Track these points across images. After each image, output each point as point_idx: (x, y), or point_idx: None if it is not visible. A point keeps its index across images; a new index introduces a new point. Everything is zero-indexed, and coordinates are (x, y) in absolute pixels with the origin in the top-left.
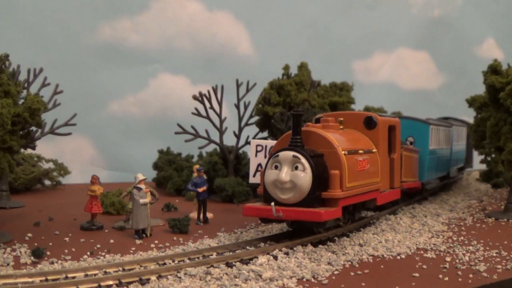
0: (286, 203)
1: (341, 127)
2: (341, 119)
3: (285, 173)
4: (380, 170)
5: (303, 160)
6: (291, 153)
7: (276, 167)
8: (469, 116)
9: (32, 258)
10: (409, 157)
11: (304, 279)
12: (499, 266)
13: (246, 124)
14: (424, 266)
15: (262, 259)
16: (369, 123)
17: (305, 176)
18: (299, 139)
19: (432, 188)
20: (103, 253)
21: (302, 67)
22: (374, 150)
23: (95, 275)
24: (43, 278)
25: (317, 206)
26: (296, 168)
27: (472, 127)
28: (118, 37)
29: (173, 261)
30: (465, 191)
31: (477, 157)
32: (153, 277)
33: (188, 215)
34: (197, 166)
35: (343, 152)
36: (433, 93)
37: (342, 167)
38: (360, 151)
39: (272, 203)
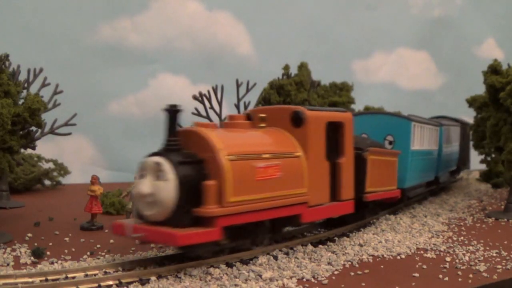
0: (151, 220)
1: (263, 125)
2: (263, 115)
3: (144, 184)
4: (308, 179)
5: (166, 167)
6: (154, 158)
7: (142, 176)
8: (469, 116)
9: (32, 258)
10: (381, 161)
11: (304, 279)
12: (499, 266)
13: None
14: (424, 266)
15: (262, 259)
16: (296, 120)
17: (167, 188)
18: (174, 141)
19: (416, 195)
20: (103, 253)
21: (302, 67)
22: (297, 154)
23: (95, 275)
24: (43, 278)
25: (185, 226)
26: (159, 177)
27: (472, 127)
28: (118, 37)
29: (173, 261)
30: (465, 191)
31: (476, 157)
32: (153, 277)
33: None
34: None
35: (229, 156)
36: (433, 93)
37: (222, 176)
38: (265, 155)
39: (128, 220)
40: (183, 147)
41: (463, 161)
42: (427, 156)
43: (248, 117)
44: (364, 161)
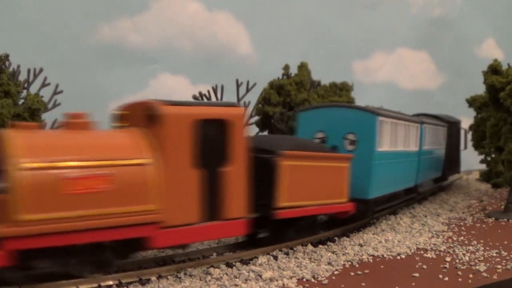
0: None
1: (121, 124)
2: (123, 113)
3: None
4: (164, 192)
5: None
6: None
7: None
8: (469, 116)
9: None
10: (312, 168)
11: (304, 279)
12: (499, 266)
13: (246, 124)
14: (424, 266)
15: (262, 259)
16: (150, 117)
17: None
18: None
19: (383, 208)
20: None
21: (302, 67)
22: (139, 161)
23: (95, 275)
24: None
25: None
26: None
27: (472, 127)
28: (118, 37)
29: (173, 261)
30: (465, 191)
31: (476, 157)
32: (153, 277)
33: None
34: None
35: (26, 165)
36: (433, 93)
37: (13, 189)
38: (84, 163)
39: None
40: None
41: (450, 166)
42: (403, 159)
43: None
44: (274, 168)
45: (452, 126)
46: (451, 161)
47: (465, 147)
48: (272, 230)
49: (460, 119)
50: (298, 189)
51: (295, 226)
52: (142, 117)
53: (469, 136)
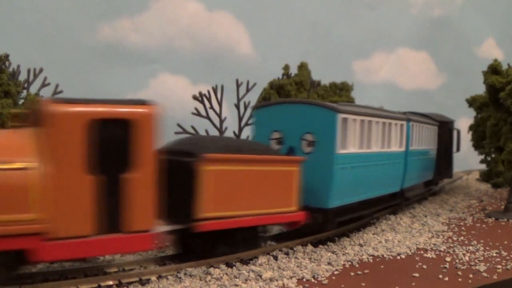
0: None
1: (19, 124)
2: (26, 111)
3: None
4: (50, 200)
5: None
6: None
7: None
8: (469, 116)
9: None
10: (248, 173)
11: (304, 279)
12: (499, 266)
13: (246, 124)
14: (424, 266)
15: (262, 259)
16: (40, 117)
17: None
18: None
19: (353, 217)
20: None
21: (302, 67)
22: (22, 165)
23: (95, 275)
24: (43, 278)
25: None
26: None
27: (472, 127)
28: (118, 37)
29: (173, 261)
30: (465, 191)
31: (476, 157)
32: (153, 277)
33: None
34: None
35: None
36: (433, 93)
37: None
38: None
39: None
40: None
41: (441, 170)
42: (380, 161)
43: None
44: (193, 173)
45: (443, 126)
46: (442, 164)
47: (458, 149)
48: (201, 243)
49: (454, 119)
50: (228, 197)
51: (232, 239)
52: (36, 116)
53: (463, 137)
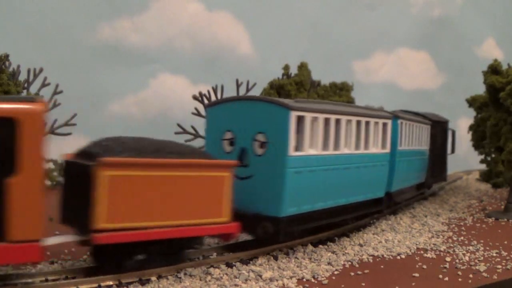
0: None
1: None
2: None
3: None
4: None
5: None
6: None
7: None
8: (469, 116)
9: None
10: (160, 179)
11: (304, 279)
12: (499, 266)
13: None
14: (424, 266)
15: (262, 259)
16: None
17: None
18: None
19: (316, 226)
20: None
21: (302, 67)
22: None
23: (95, 275)
24: (43, 278)
25: None
26: None
27: (472, 127)
28: (118, 37)
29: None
30: (465, 191)
31: (476, 157)
32: (153, 277)
33: None
34: None
35: None
36: (433, 93)
37: None
38: None
39: None
40: None
41: (435, 172)
42: (354, 163)
43: None
44: (90, 178)
45: (437, 126)
46: (436, 166)
47: (453, 151)
48: (111, 257)
49: (448, 119)
50: (135, 206)
51: (146, 253)
52: None
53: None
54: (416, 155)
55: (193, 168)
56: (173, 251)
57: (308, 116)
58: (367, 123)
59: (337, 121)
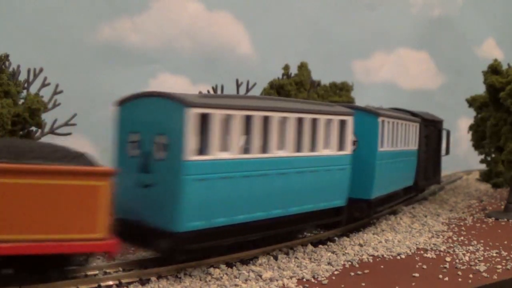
0: None
1: None
2: None
3: None
4: None
5: None
6: None
7: None
8: (469, 116)
9: None
10: (14, 187)
11: (304, 279)
12: (499, 266)
13: None
14: (424, 266)
15: (262, 259)
16: None
17: None
18: None
19: (229, 244)
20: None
21: (302, 67)
22: None
23: (95, 275)
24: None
25: None
26: None
27: (472, 127)
28: (118, 37)
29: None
30: (465, 191)
31: (476, 157)
32: (153, 277)
33: None
34: None
35: None
36: (433, 93)
37: None
38: None
39: None
40: None
41: (427, 174)
42: (297, 168)
43: None
44: None
45: (430, 125)
46: (429, 168)
47: (447, 152)
48: None
49: (442, 119)
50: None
51: (11, 268)
52: None
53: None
54: (402, 156)
55: (57, 176)
56: (44, 268)
57: (217, 113)
58: (314, 120)
59: (266, 119)
